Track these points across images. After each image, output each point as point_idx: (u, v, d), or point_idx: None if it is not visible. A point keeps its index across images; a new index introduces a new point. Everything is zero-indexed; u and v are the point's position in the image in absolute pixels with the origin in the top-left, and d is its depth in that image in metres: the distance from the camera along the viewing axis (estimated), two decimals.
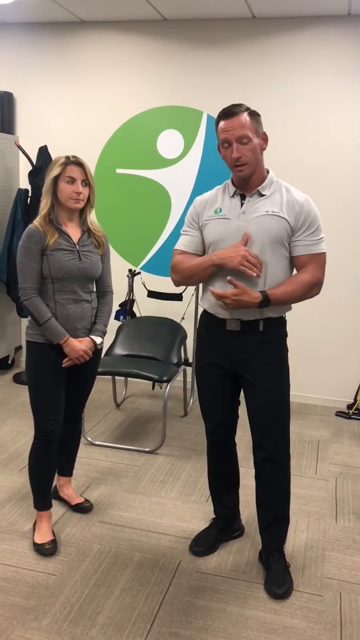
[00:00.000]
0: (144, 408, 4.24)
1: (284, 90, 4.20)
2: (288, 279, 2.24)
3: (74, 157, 2.41)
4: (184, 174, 4.48)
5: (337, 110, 4.14)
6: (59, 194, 2.40)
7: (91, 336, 2.52)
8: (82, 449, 3.08)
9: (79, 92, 4.59)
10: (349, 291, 4.28)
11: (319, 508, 2.96)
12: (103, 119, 4.55)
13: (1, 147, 4.48)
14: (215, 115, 2.24)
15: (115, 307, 4.13)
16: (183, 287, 3.92)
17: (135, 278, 4.36)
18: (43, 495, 2.57)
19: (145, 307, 4.40)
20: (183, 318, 4.22)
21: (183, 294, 4.13)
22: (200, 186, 4.37)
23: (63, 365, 2.47)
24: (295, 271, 2.30)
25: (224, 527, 2.63)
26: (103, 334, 2.58)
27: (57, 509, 2.80)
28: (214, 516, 2.66)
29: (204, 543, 2.57)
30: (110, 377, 4.17)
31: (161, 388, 4.25)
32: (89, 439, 3.59)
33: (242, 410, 2.43)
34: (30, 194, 4.45)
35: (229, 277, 2.14)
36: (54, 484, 2.72)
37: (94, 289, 2.59)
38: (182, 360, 3.91)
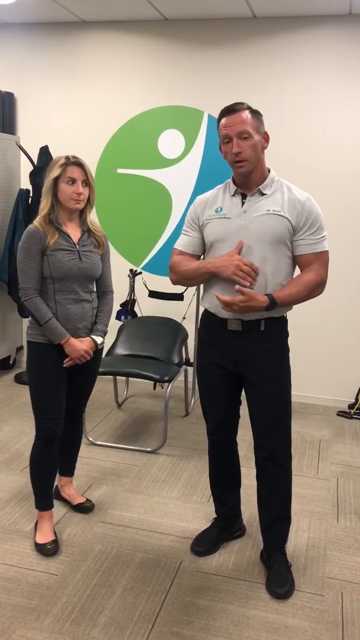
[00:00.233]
0: (145, 408, 4.24)
1: (285, 89, 4.20)
2: (292, 281, 2.24)
3: (73, 157, 2.41)
4: (185, 174, 4.48)
5: (339, 110, 4.13)
6: (59, 195, 2.40)
7: (92, 336, 2.52)
8: (83, 449, 3.08)
9: (80, 92, 4.59)
10: (350, 291, 4.28)
11: (320, 508, 2.96)
12: (104, 118, 4.55)
13: (2, 147, 4.48)
14: (216, 114, 2.24)
15: (117, 307, 4.12)
16: (184, 287, 3.92)
17: (137, 278, 4.36)
18: (44, 495, 2.57)
19: (146, 307, 4.40)
20: (184, 318, 4.22)
21: (184, 294, 4.13)
22: (201, 186, 4.37)
23: (64, 366, 2.47)
24: (298, 270, 2.30)
25: (225, 526, 2.63)
26: (104, 334, 2.58)
27: (58, 509, 2.80)
28: (216, 516, 2.66)
29: (206, 543, 2.56)
30: (112, 377, 4.17)
31: (162, 388, 4.25)
32: (91, 439, 3.59)
33: (244, 410, 2.42)
34: (31, 194, 4.45)
35: (237, 287, 2.12)
36: (55, 484, 2.72)
37: (95, 289, 2.59)
38: (184, 360, 3.91)
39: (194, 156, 4.45)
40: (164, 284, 3.91)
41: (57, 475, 2.81)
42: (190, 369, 4.16)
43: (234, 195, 2.25)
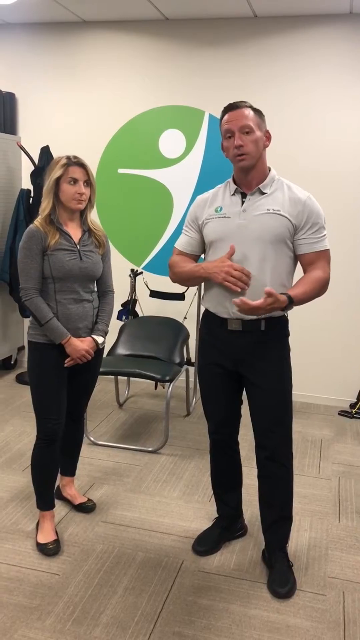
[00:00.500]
0: (146, 408, 4.24)
1: (285, 89, 4.20)
2: (304, 279, 2.21)
3: (74, 157, 2.41)
4: (185, 174, 4.48)
5: (340, 110, 4.13)
6: (60, 195, 2.40)
7: (93, 336, 2.52)
8: (84, 448, 3.08)
9: (81, 92, 4.59)
10: (351, 290, 4.27)
11: (322, 507, 2.96)
12: (105, 118, 4.56)
13: (3, 147, 4.49)
14: (217, 114, 2.26)
15: (118, 307, 4.13)
16: (185, 287, 3.92)
17: (138, 278, 4.36)
18: (46, 495, 2.57)
19: (147, 306, 4.40)
20: (185, 317, 4.22)
21: (185, 294, 4.13)
22: (202, 185, 4.37)
23: (65, 365, 2.47)
24: (298, 270, 2.29)
25: (227, 526, 2.62)
26: (105, 334, 2.58)
27: (60, 508, 2.80)
28: (217, 515, 2.66)
29: (207, 542, 2.56)
30: (113, 377, 4.17)
31: (164, 388, 4.25)
32: (92, 438, 3.60)
33: (245, 409, 2.42)
34: (32, 194, 4.45)
35: (239, 299, 2.05)
36: (56, 483, 2.72)
37: (95, 289, 2.59)
38: (185, 359, 3.91)
39: (195, 156, 4.45)
40: (165, 283, 3.91)
41: (59, 475, 2.81)
42: (192, 369, 4.17)
43: (234, 194, 2.25)
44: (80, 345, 2.45)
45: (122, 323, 4.14)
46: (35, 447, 2.52)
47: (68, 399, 2.55)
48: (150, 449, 3.52)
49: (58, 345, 2.43)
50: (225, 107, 2.20)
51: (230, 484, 2.59)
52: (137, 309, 4.36)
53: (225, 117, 2.18)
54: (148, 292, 4.27)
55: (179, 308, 4.31)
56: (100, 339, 2.54)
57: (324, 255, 2.23)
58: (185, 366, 3.86)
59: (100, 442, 3.58)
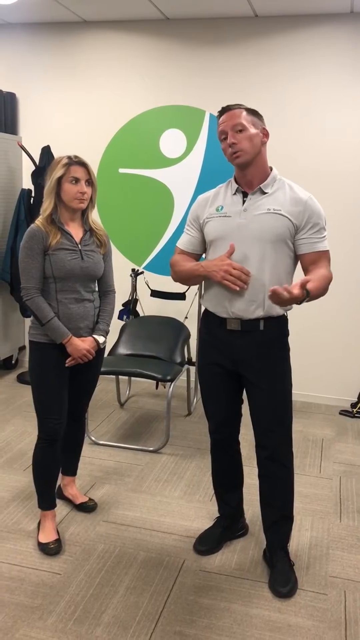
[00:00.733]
0: (147, 407, 4.24)
1: (286, 88, 4.20)
2: (313, 275, 2.15)
3: (75, 157, 2.41)
4: (186, 173, 4.48)
5: (340, 109, 4.13)
6: (62, 195, 2.41)
7: (94, 335, 2.53)
8: (86, 448, 3.08)
9: (82, 92, 4.59)
10: (351, 290, 4.27)
11: (323, 507, 2.96)
12: (106, 118, 4.56)
13: (4, 147, 4.49)
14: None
15: (119, 307, 4.13)
16: (186, 287, 3.92)
17: (139, 277, 4.36)
18: (47, 494, 2.58)
19: (148, 306, 4.41)
20: (186, 317, 4.22)
21: (186, 293, 4.13)
22: (203, 185, 4.38)
23: (66, 365, 2.47)
24: (298, 271, 2.29)
25: (228, 525, 2.63)
26: (106, 333, 2.58)
27: (61, 508, 2.81)
28: (218, 515, 2.66)
29: (208, 542, 2.57)
30: (114, 376, 4.17)
31: (165, 387, 4.25)
32: (93, 438, 3.60)
33: (245, 409, 2.43)
34: (33, 194, 4.46)
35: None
36: (58, 483, 2.72)
37: (96, 289, 2.59)
38: (186, 359, 3.91)
39: (195, 155, 4.45)
40: (166, 283, 3.92)
41: (60, 474, 2.81)
42: (193, 369, 4.17)
43: (235, 193, 2.25)
44: (82, 345, 2.45)
45: (123, 323, 4.14)
46: (37, 447, 2.53)
47: (69, 398, 2.56)
48: (151, 448, 3.52)
49: (59, 345, 2.43)
50: (218, 111, 2.23)
51: (231, 483, 2.59)
52: (138, 308, 4.36)
53: (220, 119, 2.22)
54: (149, 292, 4.27)
55: (179, 308, 4.31)
56: (101, 339, 2.54)
57: (325, 255, 2.23)
58: (186, 366, 3.86)
59: (101, 442, 3.59)
